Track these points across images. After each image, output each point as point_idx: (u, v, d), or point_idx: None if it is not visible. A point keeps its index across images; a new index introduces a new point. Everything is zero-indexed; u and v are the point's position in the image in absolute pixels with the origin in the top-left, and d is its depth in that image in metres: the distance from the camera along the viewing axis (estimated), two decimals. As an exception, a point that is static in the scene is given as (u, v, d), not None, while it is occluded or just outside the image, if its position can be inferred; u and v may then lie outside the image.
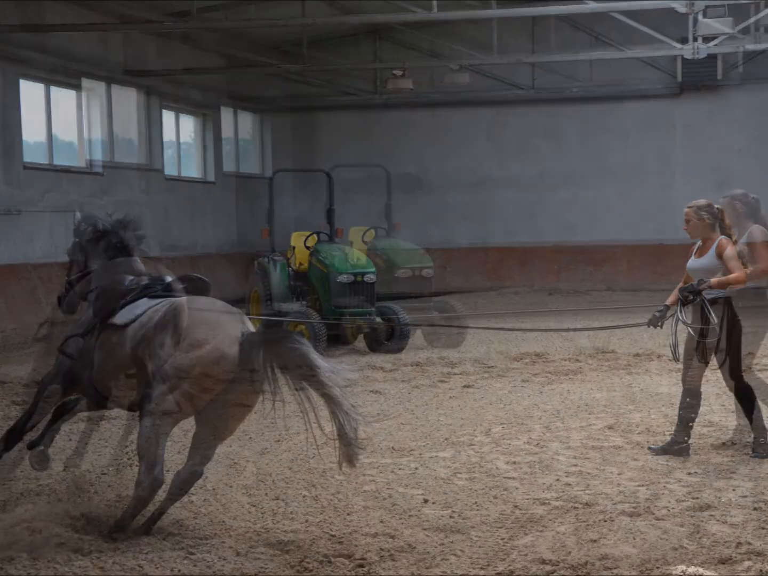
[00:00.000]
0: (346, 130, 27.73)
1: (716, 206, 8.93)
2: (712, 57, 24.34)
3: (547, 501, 7.49)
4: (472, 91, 26.82)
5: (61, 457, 8.95)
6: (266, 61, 25.11)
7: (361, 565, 6.12)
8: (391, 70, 23.65)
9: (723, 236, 8.79)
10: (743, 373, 8.86)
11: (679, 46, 21.78)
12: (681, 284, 8.95)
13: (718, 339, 8.56)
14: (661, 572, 5.95)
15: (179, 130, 26.11)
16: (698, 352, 8.72)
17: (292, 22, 20.02)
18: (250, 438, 9.76)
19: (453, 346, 15.57)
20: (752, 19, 20.87)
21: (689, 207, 8.94)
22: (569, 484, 7.96)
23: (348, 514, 7.19)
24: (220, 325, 6.51)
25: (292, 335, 6.65)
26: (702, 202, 8.96)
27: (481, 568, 6.10)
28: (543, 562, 6.13)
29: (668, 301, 8.96)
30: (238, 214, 28.03)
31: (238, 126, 28.09)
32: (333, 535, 6.71)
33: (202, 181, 26.98)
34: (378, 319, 15.70)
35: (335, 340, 16.01)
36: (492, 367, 14.11)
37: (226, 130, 27.45)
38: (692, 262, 8.90)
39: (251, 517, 7.16)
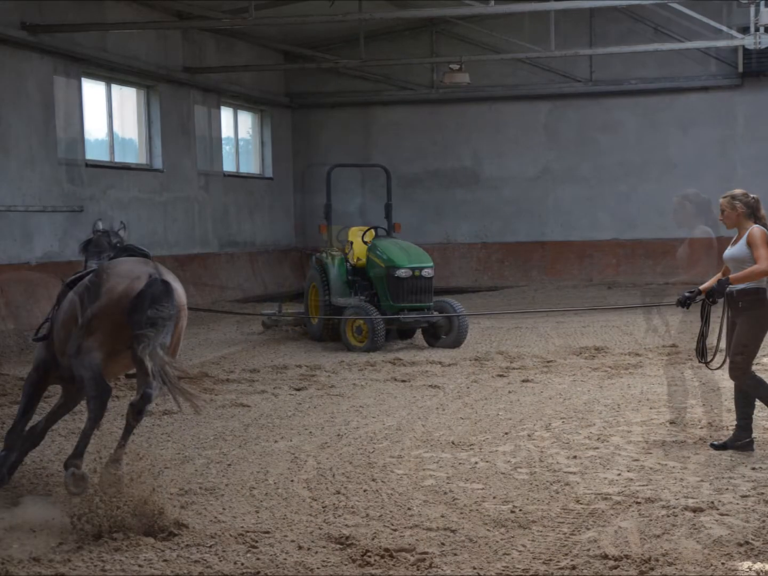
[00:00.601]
0: (403, 124, 27.69)
1: (752, 196, 8.87)
2: (723, 51, 24.05)
3: (609, 496, 7.45)
4: (529, 85, 26.69)
5: (61, 458, 8.96)
6: (321, 56, 25.24)
7: (423, 560, 6.14)
8: (448, 64, 23.59)
9: (756, 225, 8.76)
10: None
11: (740, 36, 21.49)
12: (720, 275, 9.05)
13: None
14: (727, 568, 5.90)
15: (237, 126, 26.25)
16: (697, 351, 9.08)
17: (350, 18, 20.06)
18: (311, 433, 9.82)
19: (453, 346, 15.51)
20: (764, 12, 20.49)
21: (724, 197, 8.97)
22: (631, 479, 7.92)
23: (408, 509, 7.21)
24: (132, 273, 7.36)
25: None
26: (737, 191, 9.00)
27: (543, 563, 6.09)
28: (605, 557, 6.11)
29: (702, 287, 9.02)
30: (296, 209, 28.21)
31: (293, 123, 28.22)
32: (394, 530, 6.73)
33: (260, 177, 27.14)
34: (436, 314, 15.69)
35: (395, 334, 16.05)
36: (551, 361, 14.05)
37: (280, 126, 27.57)
38: (727, 251, 8.96)
39: (313, 511, 7.20)
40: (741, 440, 8.78)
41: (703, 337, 9.05)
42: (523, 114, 27.08)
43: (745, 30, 21.56)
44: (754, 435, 8.88)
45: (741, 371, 8.79)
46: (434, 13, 22.19)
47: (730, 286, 8.67)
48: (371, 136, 27.87)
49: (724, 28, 21.18)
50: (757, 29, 20.77)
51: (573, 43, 24.78)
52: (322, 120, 28.02)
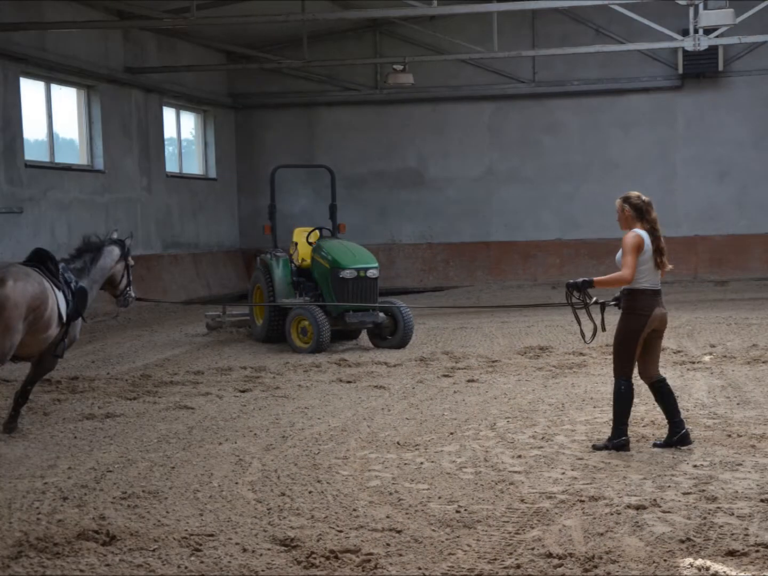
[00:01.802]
0: (347, 125, 27.67)
1: (643, 198, 8.92)
2: (713, 48, 24.27)
3: (553, 495, 7.48)
4: (473, 86, 26.77)
5: (67, 455, 9.00)
6: (264, 57, 25.14)
7: (368, 561, 6.12)
8: (392, 64, 23.59)
9: (634, 230, 8.81)
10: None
11: (680, 38, 21.72)
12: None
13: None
14: (669, 565, 5.95)
15: (180, 127, 26.05)
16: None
17: (293, 18, 19.98)
18: (255, 435, 9.76)
19: (398, 346, 15.54)
20: (753, 10, 20.78)
21: (619, 198, 9.02)
22: (575, 478, 7.96)
23: (354, 510, 7.19)
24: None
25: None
26: (632, 194, 8.99)
27: (488, 563, 6.09)
28: (550, 556, 6.13)
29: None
30: (240, 210, 28.06)
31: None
32: (339, 531, 6.70)
33: (204, 178, 26.97)
34: (381, 315, 15.68)
35: (339, 335, 16.02)
36: (496, 361, 14.10)
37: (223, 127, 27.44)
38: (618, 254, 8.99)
39: (257, 513, 7.15)
40: (676, 435, 8.85)
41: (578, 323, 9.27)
42: (467, 115, 27.15)
43: (684, 32, 21.78)
44: (693, 431, 8.97)
45: (615, 371, 8.92)
46: (377, 14, 22.17)
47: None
48: (316, 136, 27.80)
49: (665, 30, 21.38)
50: (696, 31, 21.00)
51: (516, 45, 24.92)
52: (266, 121, 27.90)
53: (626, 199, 8.95)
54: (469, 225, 27.26)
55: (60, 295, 10.02)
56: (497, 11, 21.41)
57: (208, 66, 25.76)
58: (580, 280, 9.06)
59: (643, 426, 9.68)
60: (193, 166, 26.95)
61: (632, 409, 9.11)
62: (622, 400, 8.91)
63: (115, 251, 11.17)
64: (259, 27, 23.67)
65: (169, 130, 25.26)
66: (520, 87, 26.73)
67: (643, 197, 8.98)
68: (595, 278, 8.97)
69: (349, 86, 27.07)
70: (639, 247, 8.72)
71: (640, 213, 8.88)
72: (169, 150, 25.44)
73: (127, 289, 11.43)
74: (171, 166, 25.27)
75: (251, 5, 21.44)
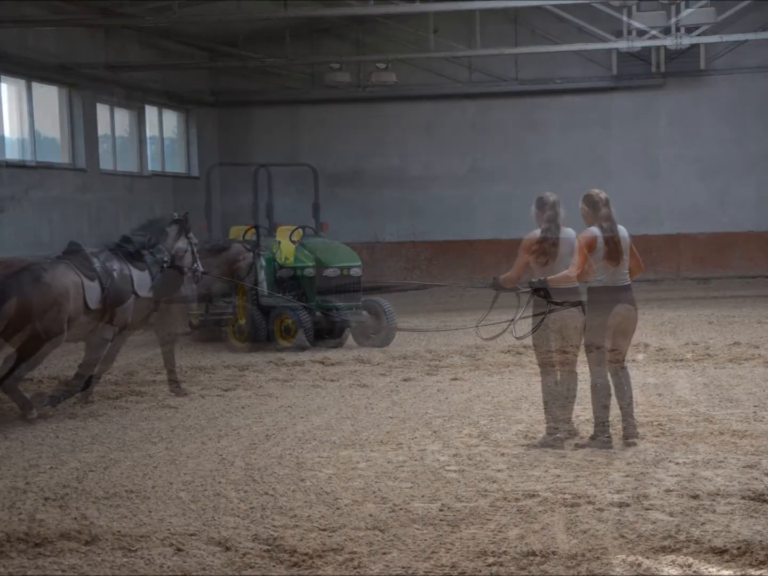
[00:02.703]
0: (331, 123, 27.63)
1: (600, 196, 8.96)
2: (646, 50, 24.40)
3: (536, 493, 7.46)
4: (408, 86, 26.59)
5: (49, 454, 8.97)
6: (247, 55, 25.04)
7: (351, 559, 6.11)
8: (329, 64, 23.58)
9: (588, 228, 8.90)
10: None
11: (614, 39, 21.83)
12: None
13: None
14: (601, 562, 5.97)
15: (162, 125, 25.94)
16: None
17: (276, 15, 19.96)
18: (239, 433, 9.75)
19: (382, 345, 15.55)
20: (684, 13, 20.78)
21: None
22: (558, 476, 7.96)
23: (337, 509, 7.17)
24: None
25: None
26: (592, 191, 9.07)
27: (471, 561, 6.07)
28: (533, 554, 6.12)
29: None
30: (223, 208, 27.92)
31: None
32: (323, 530, 6.69)
33: (187, 177, 26.85)
34: (364, 313, 15.68)
35: (323, 334, 15.99)
36: (480, 359, 14.12)
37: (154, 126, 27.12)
38: None
39: (240, 512, 7.13)
40: (628, 435, 8.95)
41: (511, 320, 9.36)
42: (450, 113, 27.13)
43: (619, 34, 21.87)
44: (674, 428, 9.00)
45: (590, 369, 9.06)
46: (359, 11, 22.14)
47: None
48: (299, 134, 27.73)
49: (599, 32, 21.48)
50: (629, 33, 21.17)
51: (452, 45, 24.75)
52: (249, 118, 27.82)
53: (584, 197, 9.02)
54: (453, 223, 27.22)
55: (88, 284, 10.67)
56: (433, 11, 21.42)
57: (189, 64, 25.64)
58: (536, 279, 9.08)
59: (578, 425, 9.62)
60: (176, 164, 26.83)
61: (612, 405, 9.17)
62: (601, 396, 8.93)
63: (175, 230, 11.70)
64: (241, 25, 23.59)
65: (151, 129, 25.14)
66: (502, 85, 26.70)
67: (601, 194, 8.99)
68: (549, 277, 8.96)
69: (332, 84, 26.99)
70: (590, 246, 8.77)
71: (593, 210, 8.90)
72: (152, 149, 25.32)
73: (195, 265, 11.91)
74: (154, 165, 25.14)
75: (233, 3, 21.37)
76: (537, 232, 9.07)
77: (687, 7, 19.57)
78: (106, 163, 22.69)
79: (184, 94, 25.94)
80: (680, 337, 15.78)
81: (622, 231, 9.03)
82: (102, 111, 22.54)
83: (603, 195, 8.98)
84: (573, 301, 8.97)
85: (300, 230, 16.47)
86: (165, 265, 11.61)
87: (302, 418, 10.49)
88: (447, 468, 8.29)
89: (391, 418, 10.40)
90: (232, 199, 26.51)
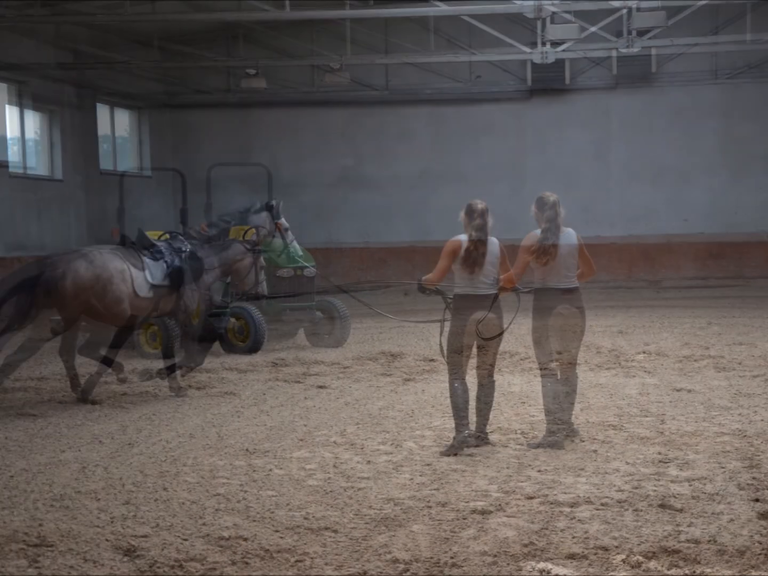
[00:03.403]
0: (285, 125, 27.40)
1: (550, 199, 9.19)
2: (560, 62, 24.88)
3: (401, 500, 7.51)
4: (327, 91, 26.79)
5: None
6: (200, 54, 24.67)
7: (213, 569, 6.03)
8: (245, 68, 23.46)
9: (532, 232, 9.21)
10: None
11: (528, 50, 22.17)
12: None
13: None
14: (511, 568, 6.03)
15: (114, 124, 25.57)
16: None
17: (144, 18, 19.68)
18: (101, 442, 9.56)
19: (336, 345, 15.59)
20: (596, 27, 21.26)
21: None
22: (423, 484, 8.00)
23: (200, 518, 7.08)
24: None
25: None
26: (542, 194, 9.37)
27: (335, 569, 6.07)
28: (396, 561, 6.15)
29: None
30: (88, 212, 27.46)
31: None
32: (185, 539, 6.59)
33: (139, 176, 26.39)
34: (318, 313, 15.64)
35: (276, 334, 15.86)
36: (348, 367, 14.12)
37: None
38: None
39: (100, 522, 6.97)
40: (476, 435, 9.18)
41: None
42: (320, 120, 27.17)
43: (533, 45, 22.24)
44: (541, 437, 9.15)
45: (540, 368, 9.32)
46: (230, 17, 22.01)
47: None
48: (252, 136, 27.45)
49: (514, 42, 21.80)
50: (544, 44, 21.50)
51: (369, 52, 25.03)
52: (203, 119, 27.42)
53: (536, 200, 9.36)
54: (319, 229, 27.21)
55: (136, 272, 11.69)
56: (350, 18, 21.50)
57: (141, 63, 24.99)
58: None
59: (491, 432, 9.77)
60: (128, 163, 26.41)
61: (498, 411, 9.35)
62: (547, 397, 9.16)
63: (263, 216, 13.17)
64: (194, 24, 23.21)
65: (103, 127, 24.73)
66: (374, 94, 26.87)
67: (552, 197, 9.23)
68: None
69: (286, 85, 26.67)
70: (453, 253, 9.05)
71: (541, 212, 9.22)
72: (104, 147, 24.91)
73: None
74: (105, 164, 24.71)
75: (184, 2, 21.07)
76: (537, 232, 9.16)
77: (552, 22, 19.91)
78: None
79: (135, 93, 25.44)
80: (632, 339, 16.21)
81: (569, 235, 9.19)
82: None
83: (479, 206, 9.14)
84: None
85: (253, 230, 16.27)
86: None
87: (167, 425, 10.34)
88: (312, 476, 8.26)
89: (258, 426, 10.32)
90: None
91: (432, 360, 14.53)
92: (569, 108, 26.69)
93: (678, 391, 11.81)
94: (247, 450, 9.19)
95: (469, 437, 9.00)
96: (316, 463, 8.71)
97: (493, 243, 9.18)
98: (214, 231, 12.94)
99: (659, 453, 8.80)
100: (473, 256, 8.97)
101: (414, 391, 12.24)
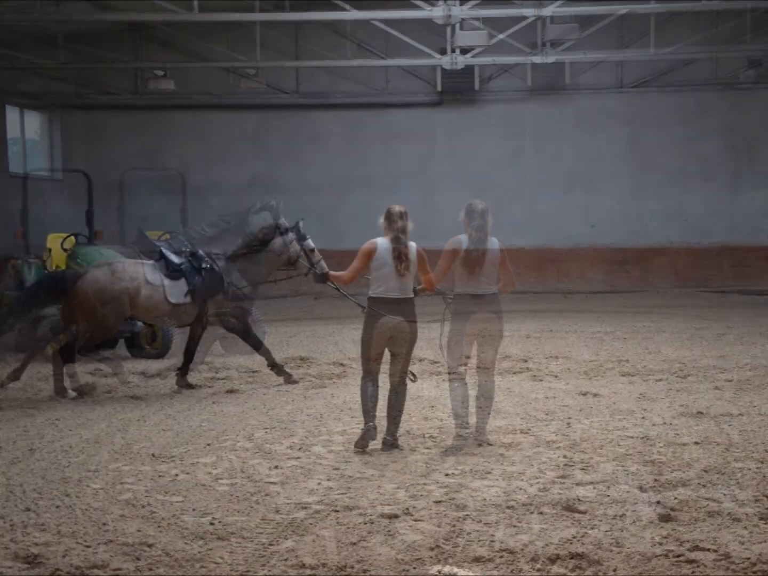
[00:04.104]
0: (117, 129, 27.06)
1: (479, 207, 9.30)
2: (470, 68, 25.07)
3: (308, 505, 7.48)
4: (238, 95, 26.66)
5: None
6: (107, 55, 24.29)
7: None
8: (153, 70, 23.23)
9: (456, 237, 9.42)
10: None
11: (438, 56, 22.30)
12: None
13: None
14: (418, 572, 6.04)
15: (24, 126, 25.08)
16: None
17: (50, 18, 19.35)
18: (0, 447, 9.35)
19: (249, 352, 15.40)
20: (505, 34, 21.44)
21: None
22: (331, 488, 7.98)
23: (104, 524, 6.97)
24: None
25: None
26: (471, 202, 9.46)
27: (241, 575, 6.03)
28: (303, 566, 6.12)
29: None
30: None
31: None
32: (87, 546, 6.49)
33: (50, 179, 25.88)
34: (139, 324, 15.35)
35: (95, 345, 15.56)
36: (256, 371, 14.04)
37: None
38: None
39: None
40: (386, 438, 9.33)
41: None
42: (231, 123, 27.02)
43: (443, 51, 22.37)
44: (446, 440, 9.20)
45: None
46: (138, 17, 21.74)
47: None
48: (164, 138, 27.16)
49: (424, 48, 21.91)
50: (453, 50, 21.63)
51: (280, 55, 24.93)
52: (112, 121, 27.01)
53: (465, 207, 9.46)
54: (318, 230, 26.96)
55: (170, 285, 12.53)
56: (259, 21, 21.42)
57: (44, 63, 24.38)
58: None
59: (400, 436, 9.77)
60: (38, 165, 25.89)
61: (407, 415, 9.42)
62: (461, 399, 9.32)
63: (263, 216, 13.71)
64: (99, 26, 22.80)
65: (12, 130, 24.22)
66: (284, 97, 26.81)
67: (479, 205, 9.35)
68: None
69: (201, 88, 26.39)
70: (367, 255, 9.32)
71: (470, 219, 9.31)
72: (13, 149, 24.38)
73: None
74: (15, 167, 24.16)
75: (94, 3, 20.70)
76: (460, 238, 9.27)
77: (462, 28, 20.06)
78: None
79: (46, 95, 24.91)
80: (454, 351, 16.10)
81: (493, 243, 9.34)
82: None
83: (397, 209, 9.29)
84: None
85: (72, 237, 15.99)
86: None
87: (70, 431, 10.17)
88: (219, 481, 8.19)
89: (165, 430, 10.21)
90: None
91: (342, 364, 14.52)
92: (480, 115, 26.91)
93: (584, 395, 11.96)
94: (153, 455, 9.08)
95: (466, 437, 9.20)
96: (223, 468, 8.64)
97: (412, 247, 9.33)
98: (213, 231, 12.86)
99: (565, 457, 8.90)
100: (389, 260, 9.18)
101: (324, 396, 12.21)
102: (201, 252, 13.02)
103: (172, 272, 12.65)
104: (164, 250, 12.87)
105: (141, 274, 12.52)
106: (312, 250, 13.00)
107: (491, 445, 9.39)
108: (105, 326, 12.46)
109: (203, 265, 12.76)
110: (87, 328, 12.34)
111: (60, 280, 12.54)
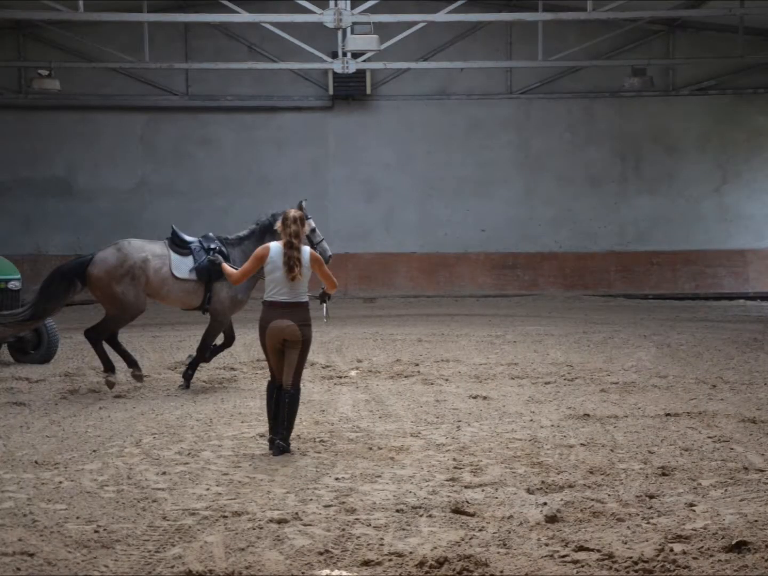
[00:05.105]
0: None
1: (291, 215, 9.39)
2: (361, 72, 25.11)
3: (196, 511, 7.40)
4: (125, 96, 26.28)
5: None
6: None
7: (-4, 587, 5.80)
8: (37, 69, 22.77)
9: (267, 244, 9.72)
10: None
11: (329, 60, 22.28)
12: None
13: None
14: (306, 577, 6.03)
15: None
16: None
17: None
18: None
19: (41, 362, 15.05)
20: (395, 39, 21.51)
21: None
22: (220, 494, 7.91)
23: (-17, 534, 6.79)
24: None
25: None
26: (286, 211, 9.65)
27: (126, 583, 5.94)
28: (190, 573, 6.05)
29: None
30: None
31: None
32: (-35, 557, 6.32)
33: None
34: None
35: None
36: (146, 376, 13.83)
37: None
38: None
39: None
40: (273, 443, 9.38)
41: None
42: (118, 125, 26.61)
43: (335, 55, 22.36)
44: (336, 444, 9.17)
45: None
46: (21, 15, 21.30)
47: None
48: (47, 139, 26.33)
49: (315, 52, 21.87)
50: (345, 54, 21.63)
51: (168, 57, 24.67)
52: None
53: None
54: (122, 236, 26.61)
55: (177, 259, 12.92)
56: (148, 21, 21.13)
57: None
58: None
59: (291, 439, 9.74)
60: None
61: (297, 419, 9.45)
62: (268, 404, 9.47)
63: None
64: None
65: None
66: (174, 99, 26.53)
67: (291, 213, 9.43)
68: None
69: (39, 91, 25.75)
70: (259, 259, 9.44)
71: (283, 227, 9.41)
72: None
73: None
74: None
75: None
76: (270, 245, 9.42)
77: (353, 32, 20.08)
78: None
79: None
80: (346, 354, 16.14)
81: (305, 252, 9.36)
82: None
83: (292, 214, 9.41)
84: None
85: None
86: None
87: (-50, 439, 9.89)
88: (105, 488, 8.05)
89: (49, 437, 9.99)
90: None
91: (232, 368, 14.42)
92: (372, 119, 26.97)
93: (474, 398, 12.06)
94: (36, 462, 8.88)
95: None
96: (109, 474, 8.50)
97: (305, 251, 9.45)
98: (245, 233, 13.38)
99: (454, 459, 8.96)
100: (281, 264, 9.36)
101: (214, 401, 12.10)
102: (211, 234, 13.38)
103: (181, 249, 13.04)
104: (175, 228, 13.39)
105: (148, 248, 12.97)
106: (313, 230, 13.03)
107: (380, 448, 9.39)
108: (127, 302, 12.69)
109: (212, 246, 13.00)
110: (113, 308, 12.73)
111: (68, 272, 12.92)
